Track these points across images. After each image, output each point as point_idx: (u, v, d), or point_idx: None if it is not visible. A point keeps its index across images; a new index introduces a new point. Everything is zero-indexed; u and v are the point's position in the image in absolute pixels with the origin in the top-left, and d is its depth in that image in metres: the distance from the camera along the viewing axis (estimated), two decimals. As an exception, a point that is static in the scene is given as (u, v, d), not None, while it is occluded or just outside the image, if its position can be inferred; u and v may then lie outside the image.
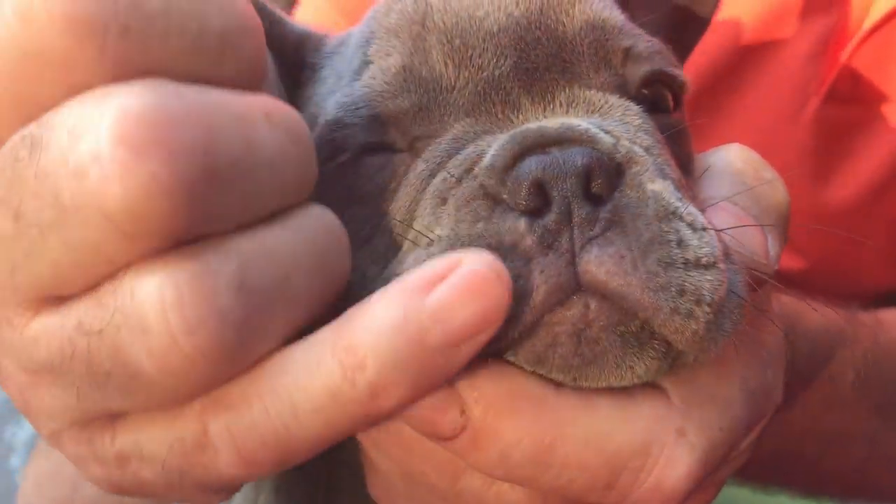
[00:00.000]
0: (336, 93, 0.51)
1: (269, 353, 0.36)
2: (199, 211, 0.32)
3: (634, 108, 0.47)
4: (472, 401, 0.40)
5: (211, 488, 0.38)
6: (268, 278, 0.34)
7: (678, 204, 0.41)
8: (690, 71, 0.88)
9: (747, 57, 0.89)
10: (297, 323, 0.36)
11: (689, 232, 0.40)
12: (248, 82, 0.36)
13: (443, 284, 0.36)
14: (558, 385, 0.41)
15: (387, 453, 0.46)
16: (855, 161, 0.91)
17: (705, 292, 0.39)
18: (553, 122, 0.43)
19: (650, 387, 0.42)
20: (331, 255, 0.38)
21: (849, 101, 0.89)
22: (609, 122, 0.45)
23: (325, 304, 0.38)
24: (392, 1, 0.52)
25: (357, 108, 0.48)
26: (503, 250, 0.39)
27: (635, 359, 0.40)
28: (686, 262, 0.39)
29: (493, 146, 0.42)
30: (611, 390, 0.41)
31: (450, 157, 0.45)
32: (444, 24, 0.48)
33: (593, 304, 0.39)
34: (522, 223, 0.39)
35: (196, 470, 0.36)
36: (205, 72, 0.34)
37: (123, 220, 0.30)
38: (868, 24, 0.87)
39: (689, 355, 0.41)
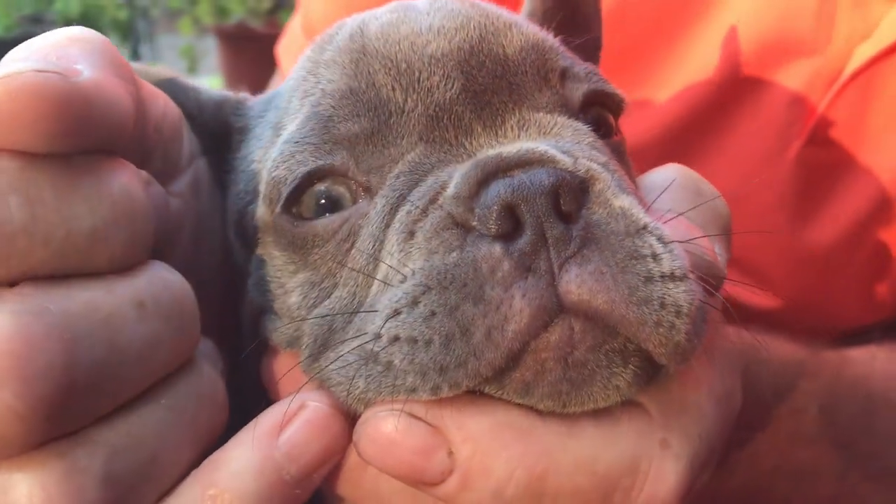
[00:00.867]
0: (278, 141, 0.50)
1: None
2: (58, 420, 0.34)
3: (583, 127, 0.48)
4: (459, 441, 0.40)
5: None
6: (135, 464, 0.37)
7: (646, 219, 0.41)
8: (674, 111, 0.90)
9: (730, 99, 0.91)
10: (165, 488, 0.39)
11: (661, 246, 0.40)
12: (124, 264, 0.37)
13: (291, 426, 0.40)
14: (542, 413, 0.41)
15: None
16: (833, 204, 0.91)
17: (683, 304, 0.40)
18: (511, 146, 0.44)
19: (628, 403, 0.43)
20: (202, 417, 0.40)
21: (829, 145, 0.90)
22: (563, 142, 0.45)
23: (200, 457, 0.40)
24: (324, 41, 0.52)
25: (307, 135, 0.47)
26: (482, 277, 0.39)
27: (621, 377, 0.40)
28: (663, 276, 0.40)
29: (456, 175, 0.42)
30: (593, 412, 0.42)
31: (410, 189, 0.44)
32: (385, 50, 0.48)
33: (577, 326, 0.39)
34: (498, 248, 0.39)
35: None
36: (73, 268, 0.35)
37: None
38: (850, 69, 0.89)
39: (667, 368, 0.42)
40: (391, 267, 0.42)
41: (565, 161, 0.42)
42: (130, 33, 4.93)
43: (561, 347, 0.39)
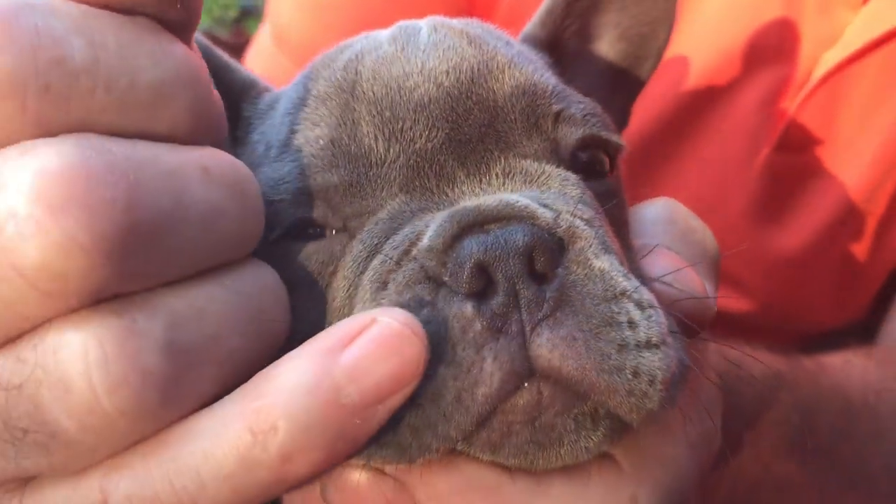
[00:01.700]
0: (264, 166, 0.48)
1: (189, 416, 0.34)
2: (120, 268, 0.31)
3: (572, 177, 0.46)
4: (424, 498, 0.39)
5: None
6: (196, 337, 0.33)
7: (626, 283, 0.40)
8: (645, 118, 0.89)
9: (700, 106, 0.90)
10: (226, 383, 0.35)
11: (638, 312, 0.39)
12: (188, 134, 0.35)
13: (356, 343, 0.35)
14: (511, 471, 0.40)
15: None
16: (804, 208, 0.91)
17: (658, 372, 0.39)
18: (491, 198, 0.42)
19: (601, 456, 0.42)
20: (267, 315, 0.37)
21: (798, 150, 0.90)
22: (547, 194, 0.44)
23: (260, 362, 0.36)
24: (322, 66, 0.51)
25: (285, 183, 0.46)
26: (453, 337, 0.38)
27: (590, 439, 0.39)
28: (638, 344, 0.38)
29: (431, 226, 0.41)
30: (564, 468, 0.41)
31: (387, 237, 0.43)
32: (373, 93, 0.46)
33: (546, 391, 0.38)
34: (469, 308, 0.38)
35: None
36: (136, 126, 0.33)
37: (37, 278, 0.29)
38: (817, 75, 0.89)
39: (637, 425, 0.40)
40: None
41: (545, 217, 0.41)
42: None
43: (529, 412, 0.38)
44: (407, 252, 0.41)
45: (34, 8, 0.31)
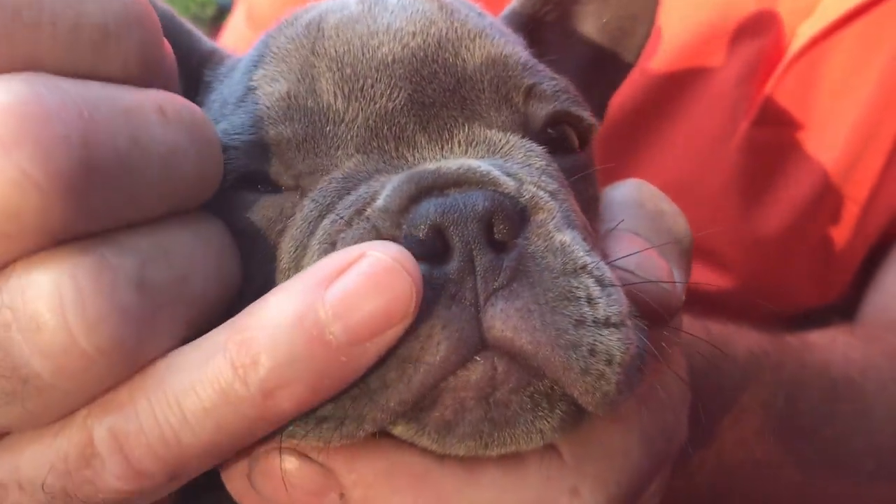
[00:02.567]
0: (219, 122, 0.46)
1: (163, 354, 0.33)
2: (79, 207, 0.29)
3: (538, 149, 0.43)
4: (350, 483, 0.37)
5: None
6: (167, 276, 0.33)
7: (587, 258, 0.38)
8: (622, 98, 0.87)
9: (679, 82, 0.88)
10: (195, 324, 0.34)
11: (598, 289, 0.37)
12: (140, 77, 0.34)
13: (343, 277, 0.33)
14: (441, 457, 0.38)
15: None
16: (785, 183, 0.89)
17: (616, 352, 0.36)
18: (452, 162, 0.40)
19: (540, 447, 0.39)
20: (226, 260, 0.37)
21: (777, 124, 0.88)
22: (511, 163, 0.41)
23: (220, 310, 0.36)
24: (285, 24, 0.49)
25: (237, 134, 0.44)
26: None
27: (545, 421, 0.37)
28: (596, 321, 0.36)
29: (388, 187, 0.39)
30: (498, 456, 0.38)
31: (340, 197, 0.40)
32: (334, 51, 0.44)
33: (501, 366, 0.36)
34: (422, 271, 0.35)
35: (82, 489, 0.33)
36: (86, 66, 0.32)
37: None
38: (794, 48, 0.86)
39: (594, 414, 0.38)
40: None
41: (508, 184, 0.38)
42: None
43: (482, 387, 0.36)
44: (360, 212, 0.39)
45: None
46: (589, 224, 0.43)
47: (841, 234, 0.92)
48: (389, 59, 0.43)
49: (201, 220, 0.37)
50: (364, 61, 0.44)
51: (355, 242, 0.37)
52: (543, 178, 0.41)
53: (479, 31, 0.46)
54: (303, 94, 0.44)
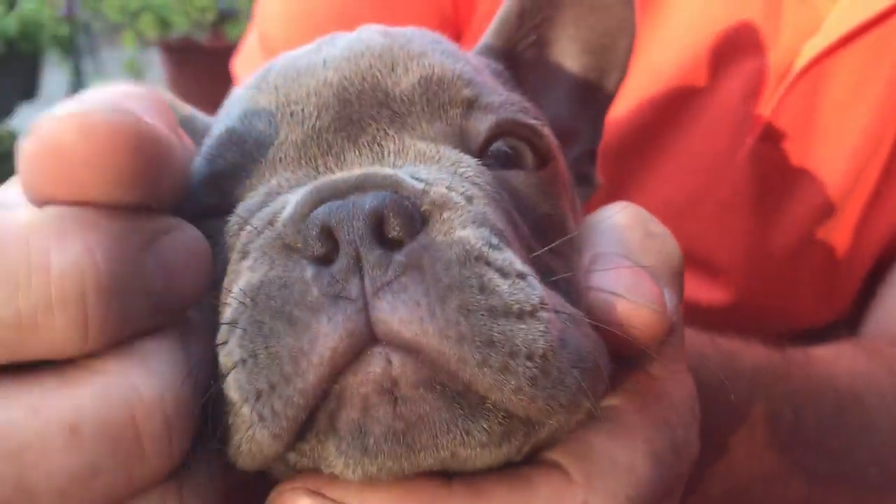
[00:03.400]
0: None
1: None
2: None
3: (469, 160, 0.43)
4: None
5: None
6: None
7: (485, 249, 0.36)
8: (629, 112, 0.87)
9: (684, 99, 0.88)
10: None
11: (497, 277, 0.36)
12: (76, 347, 0.32)
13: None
14: (448, 482, 0.37)
15: None
16: (791, 199, 0.89)
17: (519, 343, 0.35)
18: (357, 170, 0.41)
19: (546, 466, 0.39)
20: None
21: (781, 141, 0.88)
22: (429, 169, 0.41)
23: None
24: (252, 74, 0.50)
25: (193, 179, 0.45)
26: (292, 299, 0.35)
27: (469, 422, 0.35)
28: (491, 310, 0.35)
29: (295, 196, 0.39)
30: (506, 477, 0.38)
31: (259, 209, 0.41)
32: (276, 84, 0.46)
33: (395, 359, 0.34)
34: (310, 272, 0.35)
35: None
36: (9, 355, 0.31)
37: None
38: (799, 65, 0.87)
39: (546, 423, 0.37)
40: (224, 289, 0.39)
41: (412, 186, 0.38)
42: (72, 49, 4.75)
43: (379, 381, 0.34)
44: (271, 223, 0.39)
45: None
46: (533, 242, 0.42)
47: (845, 249, 0.92)
48: (321, 84, 0.45)
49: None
50: (297, 89, 0.45)
51: (262, 248, 0.38)
52: (465, 184, 0.40)
53: (418, 51, 0.47)
54: (239, 127, 0.45)
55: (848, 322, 0.94)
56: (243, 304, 0.36)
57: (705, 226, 0.88)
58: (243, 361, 0.36)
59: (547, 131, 0.49)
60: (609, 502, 0.38)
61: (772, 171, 0.88)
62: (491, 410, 0.36)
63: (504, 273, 0.36)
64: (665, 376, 0.43)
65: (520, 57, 0.59)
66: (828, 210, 0.89)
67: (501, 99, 0.47)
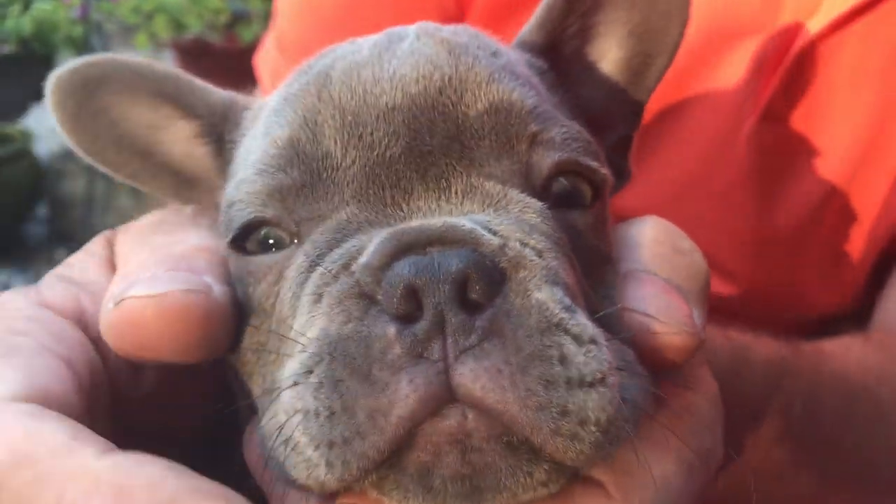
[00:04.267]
0: (238, 174, 0.48)
1: None
2: None
3: (535, 205, 0.42)
4: None
5: None
6: None
7: (563, 315, 0.37)
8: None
9: (685, 80, 0.85)
10: None
11: (574, 347, 0.36)
12: None
13: None
14: None
15: None
16: (793, 180, 0.86)
17: (590, 413, 0.36)
18: (437, 220, 0.40)
19: (584, 482, 0.39)
20: None
21: (783, 121, 0.85)
22: (501, 219, 0.41)
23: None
24: (300, 72, 0.49)
25: (245, 184, 0.45)
26: (372, 356, 0.36)
27: (532, 465, 0.36)
28: (569, 381, 0.36)
29: (373, 242, 0.39)
30: (549, 497, 0.38)
31: (330, 249, 0.41)
32: (339, 98, 0.45)
33: (471, 415, 0.35)
34: (392, 330, 0.36)
35: None
36: None
37: None
38: (800, 44, 0.84)
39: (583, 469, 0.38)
40: (296, 331, 0.40)
41: (490, 243, 0.38)
42: (86, 49, 4.77)
43: (453, 432, 0.36)
44: (346, 266, 0.39)
45: None
46: (589, 280, 0.43)
47: (851, 232, 0.88)
48: (390, 106, 0.43)
49: None
50: (365, 108, 0.44)
51: (339, 296, 0.38)
52: (534, 235, 0.40)
53: (486, 76, 0.45)
54: (303, 140, 0.44)
55: (857, 316, 0.92)
56: (319, 354, 0.37)
57: (707, 207, 0.86)
58: (317, 414, 0.36)
59: (605, 170, 0.48)
60: None
61: (774, 151, 0.85)
62: (548, 460, 0.37)
63: (579, 341, 0.37)
64: (692, 386, 0.44)
65: (562, 46, 0.57)
66: (832, 191, 0.85)
67: (564, 133, 0.46)
